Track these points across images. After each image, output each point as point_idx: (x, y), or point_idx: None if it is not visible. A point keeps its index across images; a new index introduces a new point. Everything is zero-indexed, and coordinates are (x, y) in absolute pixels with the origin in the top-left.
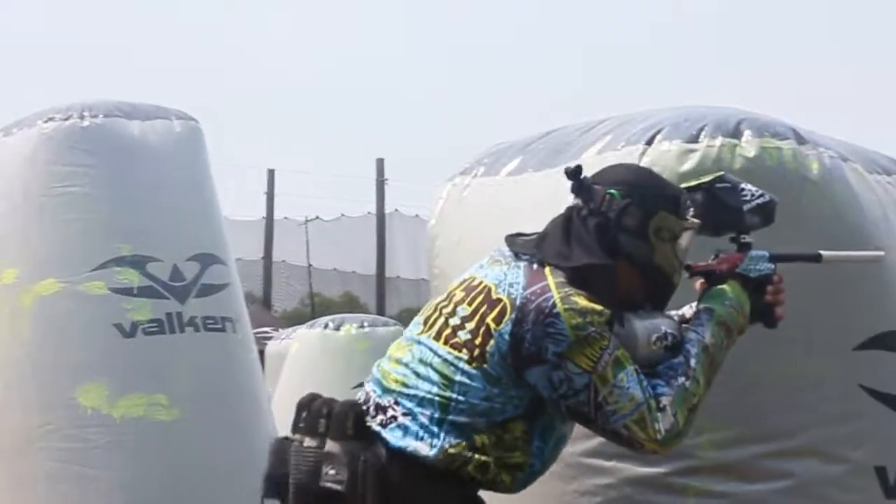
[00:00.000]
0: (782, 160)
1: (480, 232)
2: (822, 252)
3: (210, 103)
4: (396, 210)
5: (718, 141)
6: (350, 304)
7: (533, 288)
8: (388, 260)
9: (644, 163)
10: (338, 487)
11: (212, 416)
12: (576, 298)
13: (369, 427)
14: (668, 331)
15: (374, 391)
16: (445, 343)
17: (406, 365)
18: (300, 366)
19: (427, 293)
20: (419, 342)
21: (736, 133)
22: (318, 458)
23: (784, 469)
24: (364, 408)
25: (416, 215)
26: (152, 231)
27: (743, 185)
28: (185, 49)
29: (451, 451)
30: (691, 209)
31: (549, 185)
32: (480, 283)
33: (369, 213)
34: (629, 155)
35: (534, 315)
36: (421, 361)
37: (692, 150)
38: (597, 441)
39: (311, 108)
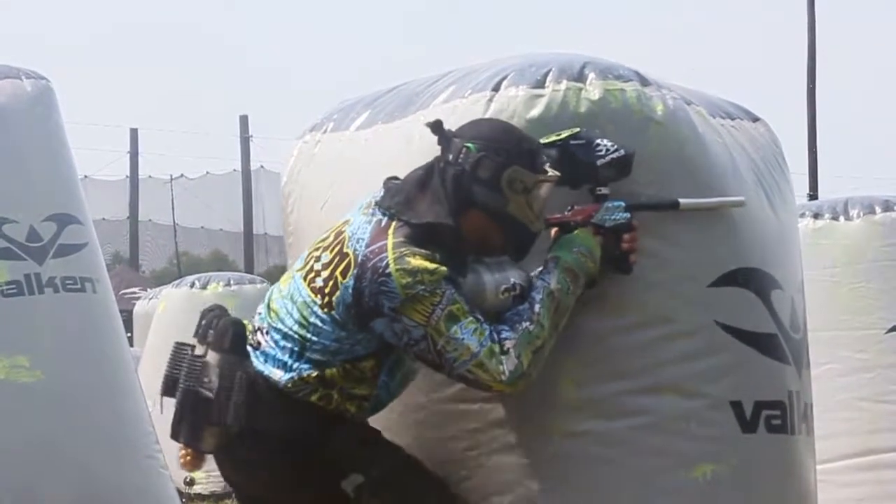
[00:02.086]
0: (626, 102)
1: (333, 186)
2: (679, 200)
3: (71, 63)
4: (262, 166)
5: (563, 85)
6: (219, 263)
7: (372, 247)
8: (255, 217)
9: (492, 109)
10: (209, 395)
11: (75, 378)
12: (409, 258)
13: (245, 343)
14: (517, 281)
15: (260, 313)
16: (308, 285)
17: (284, 297)
18: (167, 325)
19: None
20: (294, 277)
21: (580, 76)
22: (200, 366)
23: (642, 405)
24: (249, 325)
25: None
26: (6, 192)
27: (598, 141)
28: (43, 9)
29: (300, 380)
30: (548, 164)
31: (398, 137)
32: (343, 231)
33: (235, 170)
34: (476, 102)
35: (370, 273)
36: (291, 298)
37: (539, 96)
38: (459, 386)
39: (173, 65)
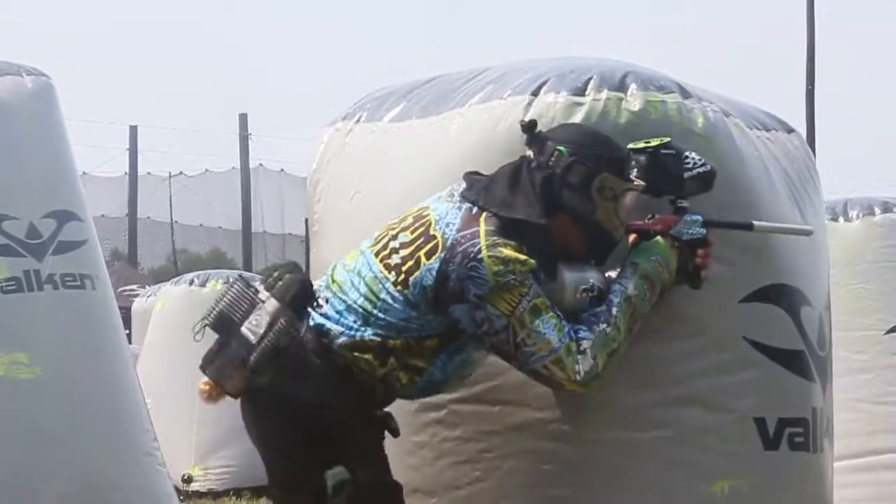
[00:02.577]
0: (667, 114)
1: (363, 178)
2: (754, 222)
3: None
4: (261, 165)
5: (604, 94)
6: (217, 260)
7: (464, 232)
8: (254, 215)
9: (531, 114)
10: (251, 337)
11: (74, 375)
12: (501, 248)
13: (307, 306)
14: (595, 283)
15: (322, 283)
16: (381, 261)
17: (349, 271)
18: (165, 323)
19: (294, 248)
20: (363, 253)
21: (622, 86)
22: (253, 305)
23: (667, 418)
24: (312, 289)
25: (281, 170)
26: (6, 189)
27: (687, 154)
28: (45, 7)
29: (361, 341)
30: (635, 170)
31: (432, 133)
32: (428, 215)
33: (234, 167)
34: (515, 105)
35: (460, 258)
36: (358, 273)
37: (579, 104)
38: (479, 387)
39: (173, 64)
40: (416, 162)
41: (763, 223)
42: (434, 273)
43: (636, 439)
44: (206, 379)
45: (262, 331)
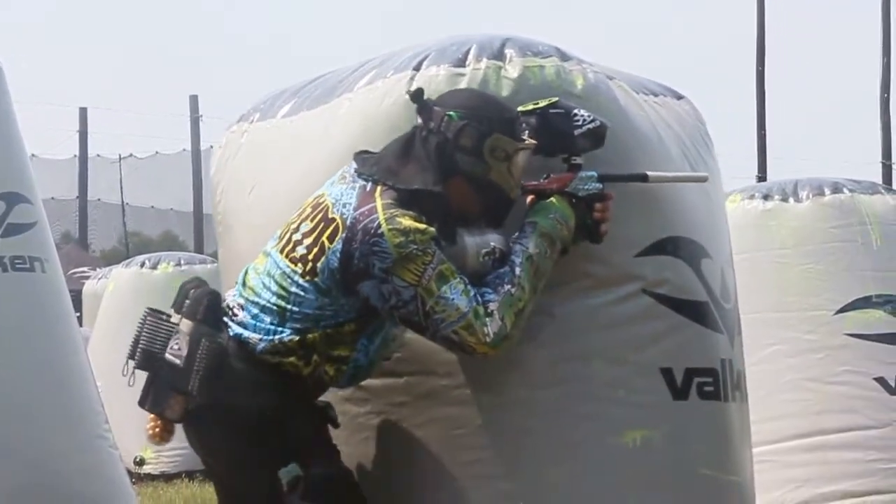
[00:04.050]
0: (545, 78)
1: (260, 172)
2: (648, 172)
3: (20, 42)
4: (212, 147)
5: (483, 63)
6: (169, 242)
7: (362, 209)
8: (205, 197)
9: (414, 88)
10: (176, 361)
11: (23, 358)
12: (400, 219)
13: (221, 316)
14: (497, 245)
15: (234, 291)
16: (286, 256)
17: (259, 274)
18: (116, 305)
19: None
20: (269, 254)
21: (500, 55)
22: (171, 332)
23: (571, 373)
24: (223, 301)
25: None
26: None
27: (576, 111)
28: None
29: (280, 344)
30: (526, 132)
31: (323, 120)
32: (324, 201)
33: (184, 150)
34: (398, 82)
35: (361, 234)
36: (268, 273)
37: (460, 74)
38: (386, 362)
39: (123, 45)
40: (308, 149)
41: (657, 173)
42: (338, 254)
43: (541, 397)
44: (150, 420)
45: (185, 353)
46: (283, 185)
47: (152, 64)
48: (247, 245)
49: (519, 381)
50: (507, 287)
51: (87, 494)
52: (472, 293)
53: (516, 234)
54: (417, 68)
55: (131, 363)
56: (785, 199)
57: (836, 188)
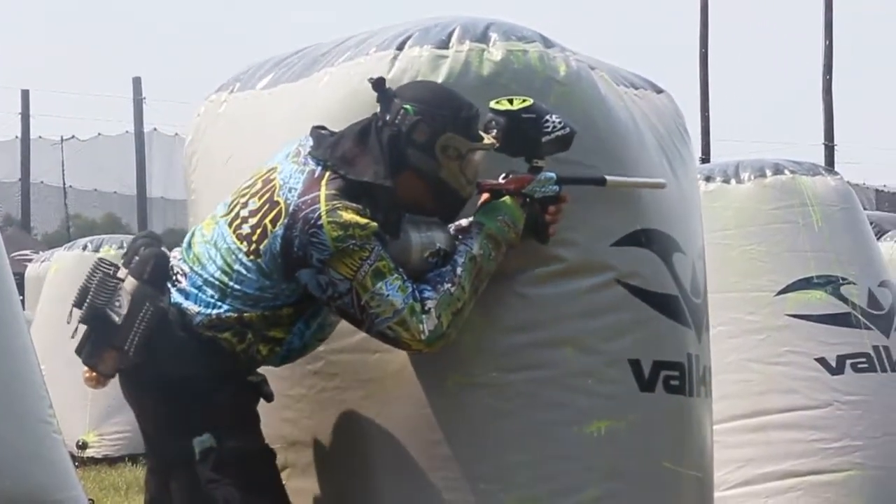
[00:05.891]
0: (528, 63)
1: (236, 143)
2: (606, 177)
3: None
4: (155, 129)
5: (466, 45)
6: (112, 225)
7: (305, 197)
8: (148, 180)
9: (396, 68)
10: (116, 319)
11: None
12: (341, 212)
13: (166, 278)
14: (442, 246)
15: (180, 253)
16: (234, 231)
17: (206, 241)
18: (59, 288)
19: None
20: (217, 223)
21: (484, 38)
22: (116, 288)
23: (540, 359)
24: (170, 261)
25: (176, 134)
26: None
27: (547, 117)
28: None
29: (217, 318)
30: (495, 130)
31: (302, 93)
32: (274, 178)
33: (127, 132)
34: (380, 60)
35: (301, 224)
36: (215, 244)
37: (442, 56)
38: (357, 337)
39: (66, 26)
40: (285, 122)
41: (615, 178)
42: (279, 240)
43: (509, 381)
44: (86, 370)
45: (125, 312)
46: (257, 158)
47: (95, 45)
48: None
49: (489, 364)
50: (447, 286)
51: (31, 480)
52: (409, 290)
53: (458, 226)
54: (400, 48)
55: (76, 312)
56: (727, 181)
57: (778, 169)
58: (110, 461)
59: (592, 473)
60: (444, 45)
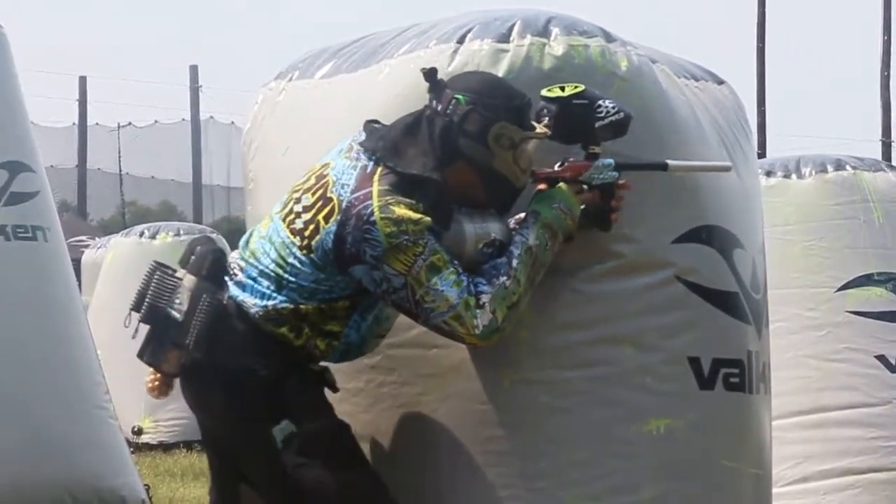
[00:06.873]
0: (590, 58)
1: (295, 133)
2: (668, 161)
3: (20, 11)
4: (211, 117)
5: (527, 40)
6: (168, 213)
7: (357, 193)
8: (204, 168)
9: (456, 61)
10: (177, 316)
11: (26, 327)
12: (394, 207)
13: (224, 274)
14: (497, 236)
15: (239, 250)
16: (288, 226)
17: (262, 238)
18: (115, 275)
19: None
20: (272, 219)
21: (545, 32)
22: (175, 287)
23: (599, 357)
24: (228, 258)
25: (232, 122)
26: None
27: (600, 102)
28: None
29: (273, 310)
30: (547, 118)
31: (361, 85)
32: (327, 175)
33: (184, 119)
34: (440, 53)
35: (354, 220)
36: (269, 239)
37: (503, 50)
38: (415, 331)
39: (125, 13)
40: (344, 114)
41: (678, 162)
42: (332, 236)
43: (567, 378)
44: (149, 374)
45: (185, 308)
46: (315, 150)
47: (152, 32)
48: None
49: (546, 361)
50: (503, 279)
51: (87, 465)
52: (464, 284)
53: (520, 223)
54: (461, 41)
55: (135, 315)
56: (788, 176)
57: (839, 165)
58: (165, 447)
59: (650, 472)
60: (505, 38)
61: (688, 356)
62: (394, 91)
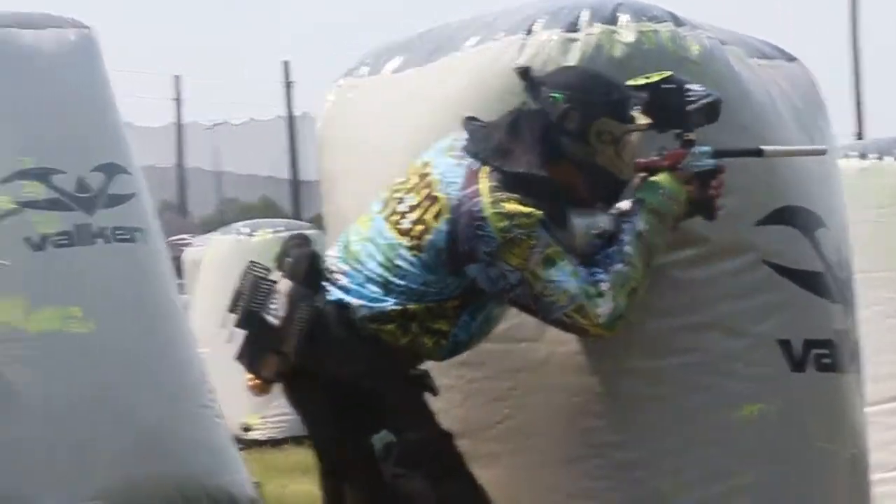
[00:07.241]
0: (661, 43)
1: (368, 130)
2: (763, 147)
3: (113, 11)
4: (305, 113)
5: (597, 28)
6: (269, 209)
7: (466, 191)
8: (301, 164)
9: (526, 54)
10: (274, 322)
11: (127, 328)
12: (504, 203)
13: (320, 278)
14: (605, 226)
15: (336, 254)
16: (393, 227)
17: (364, 239)
18: (215, 272)
19: None
20: (374, 219)
21: (613, 19)
22: (270, 291)
23: (689, 344)
24: (324, 263)
25: None
26: (53, 143)
27: (689, 86)
28: None
29: (381, 313)
30: (638, 108)
31: (431, 79)
32: (429, 174)
33: (279, 116)
34: (509, 45)
35: (465, 218)
36: (372, 241)
37: (573, 40)
38: (503, 326)
39: (216, 11)
40: (416, 109)
41: (773, 147)
42: (444, 235)
43: (659, 367)
44: (249, 377)
45: (282, 314)
46: (390, 145)
47: (246, 29)
48: (352, 203)
49: (636, 351)
50: (619, 265)
51: (196, 464)
52: (581, 275)
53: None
54: (528, 32)
55: (231, 317)
56: (881, 158)
57: None
58: (274, 443)
59: (745, 457)
60: (574, 27)
61: (778, 339)
62: (466, 83)
